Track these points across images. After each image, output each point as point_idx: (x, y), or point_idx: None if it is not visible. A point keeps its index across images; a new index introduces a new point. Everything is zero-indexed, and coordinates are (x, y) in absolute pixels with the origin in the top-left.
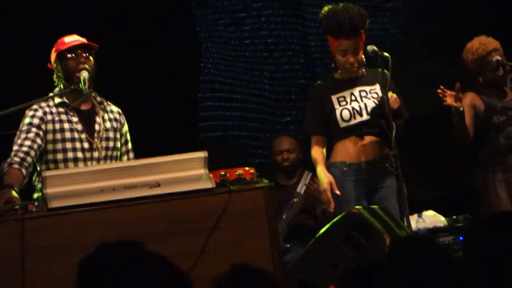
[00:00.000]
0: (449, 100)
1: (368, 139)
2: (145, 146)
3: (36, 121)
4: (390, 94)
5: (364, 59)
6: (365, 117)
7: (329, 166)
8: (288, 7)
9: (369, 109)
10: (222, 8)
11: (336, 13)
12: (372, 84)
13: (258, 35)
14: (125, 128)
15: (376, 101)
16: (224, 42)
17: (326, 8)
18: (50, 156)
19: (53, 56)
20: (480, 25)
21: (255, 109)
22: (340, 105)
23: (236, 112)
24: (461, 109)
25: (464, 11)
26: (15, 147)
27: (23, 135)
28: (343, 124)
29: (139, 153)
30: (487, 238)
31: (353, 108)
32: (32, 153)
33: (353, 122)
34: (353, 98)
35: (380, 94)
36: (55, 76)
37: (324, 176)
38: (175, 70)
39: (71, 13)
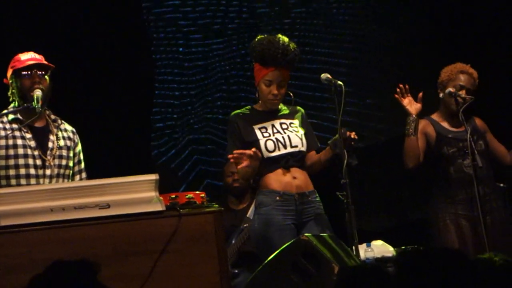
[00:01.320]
0: (406, 102)
1: (296, 171)
2: (98, 166)
3: None
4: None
5: (283, 95)
6: (289, 149)
7: (258, 194)
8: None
9: (292, 141)
10: (176, 27)
11: (271, 43)
12: (292, 118)
13: (209, 59)
14: (79, 147)
15: (297, 135)
16: (177, 64)
17: (260, 36)
18: (2, 172)
19: (9, 72)
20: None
21: (208, 131)
22: (263, 136)
23: (188, 136)
24: (415, 116)
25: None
26: None
27: None
28: (267, 155)
29: (92, 173)
30: (414, 270)
31: (277, 139)
32: None
33: (277, 153)
34: (275, 130)
35: (299, 129)
36: (10, 92)
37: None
38: (129, 90)
39: (28, 29)
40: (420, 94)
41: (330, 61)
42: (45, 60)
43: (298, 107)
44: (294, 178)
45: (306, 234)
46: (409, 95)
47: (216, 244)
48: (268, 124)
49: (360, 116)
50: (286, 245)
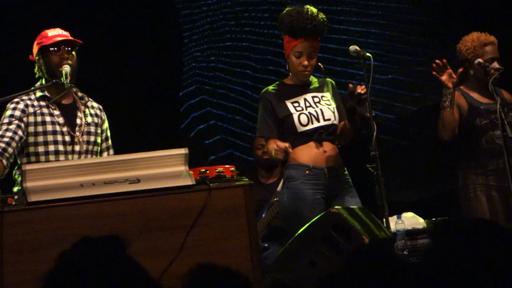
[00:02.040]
0: (445, 77)
1: (327, 145)
2: (125, 143)
3: (17, 113)
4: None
5: (314, 67)
6: (322, 122)
7: (288, 168)
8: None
9: (325, 115)
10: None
11: (300, 14)
12: (323, 91)
13: (238, 31)
14: (106, 124)
15: (329, 108)
16: (205, 39)
17: (288, 8)
18: (32, 149)
19: (35, 49)
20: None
21: (236, 107)
22: (296, 110)
23: (217, 110)
24: (451, 89)
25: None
26: None
27: (4, 127)
28: (301, 129)
29: (120, 150)
30: (450, 242)
31: (310, 113)
32: (13, 144)
33: (310, 126)
34: (307, 104)
35: (332, 102)
36: (36, 68)
37: (269, 144)
38: (157, 66)
39: (53, 6)
40: (460, 69)
41: (359, 31)
42: (71, 36)
43: (328, 79)
44: (325, 152)
45: (336, 207)
46: (448, 68)
47: (246, 218)
48: (300, 98)
49: (389, 87)
50: (316, 218)
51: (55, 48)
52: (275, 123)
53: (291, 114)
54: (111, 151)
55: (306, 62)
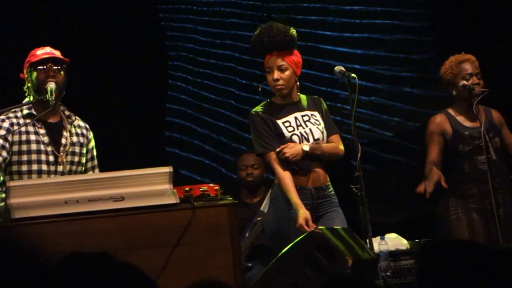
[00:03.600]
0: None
1: (315, 165)
2: (110, 161)
3: (2, 132)
4: None
5: (291, 81)
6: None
7: (274, 187)
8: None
9: (315, 135)
10: (191, 21)
11: (260, 31)
12: (312, 110)
13: (224, 52)
14: (92, 144)
15: (318, 128)
16: (191, 58)
17: (255, 33)
18: (15, 167)
19: (25, 67)
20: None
21: (221, 126)
22: (288, 131)
23: (202, 129)
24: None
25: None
26: None
27: None
28: None
29: (105, 168)
30: (437, 262)
31: (301, 134)
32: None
33: None
34: (298, 122)
35: (321, 121)
36: (25, 86)
37: (301, 210)
38: (143, 85)
39: (46, 25)
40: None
41: (343, 53)
42: (62, 55)
43: (316, 96)
44: (313, 172)
45: (320, 227)
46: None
47: (230, 237)
48: (290, 118)
49: (373, 109)
50: (299, 238)
51: (43, 66)
52: (274, 136)
53: (283, 135)
54: (96, 171)
55: (275, 76)
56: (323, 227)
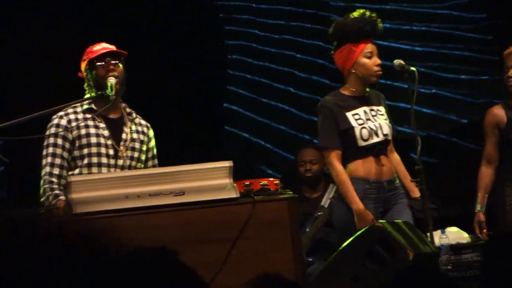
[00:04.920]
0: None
1: (384, 159)
2: (171, 158)
3: (61, 132)
4: None
5: None
6: (381, 137)
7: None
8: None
9: (383, 130)
10: (249, 12)
11: (362, 17)
12: (378, 104)
13: (285, 42)
14: (152, 143)
15: (386, 123)
16: (251, 49)
17: (340, 20)
18: (75, 162)
19: (83, 65)
20: None
21: (281, 119)
22: (358, 124)
23: (263, 119)
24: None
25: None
26: (47, 168)
27: (50, 150)
28: (361, 143)
29: (164, 163)
30: (503, 255)
31: (370, 128)
32: (65, 172)
33: (371, 141)
34: (367, 116)
35: (386, 116)
36: (86, 84)
37: (364, 213)
38: (202, 78)
39: (100, 22)
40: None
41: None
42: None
43: (377, 91)
44: (383, 165)
45: (381, 221)
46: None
47: (291, 231)
48: (360, 110)
49: (432, 105)
50: (360, 232)
51: (101, 61)
52: (338, 132)
53: (352, 128)
54: None
55: (379, 61)
56: (383, 221)
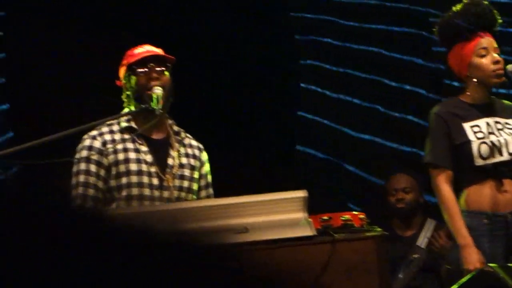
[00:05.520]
0: None
1: (508, 184)
2: (228, 185)
3: (95, 157)
4: None
5: None
6: (506, 156)
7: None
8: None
9: (509, 147)
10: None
11: (460, 12)
12: (506, 117)
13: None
14: (206, 168)
15: None
16: (325, 56)
17: (441, 19)
18: (112, 194)
19: (121, 71)
20: None
21: (366, 140)
22: (476, 137)
23: (342, 144)
24: None
25: None
26: (79, 201)
27: (82, 178)
28: (479, 162)
29: (221, 194)
30: None
31: (492, 143)
32: (99, 206)
33: (491, 161)
34: (489, 130)
35: None
36: (124, 95)
37: (472, 253)
38: (266, 89)
39: (145, 23)
40: None
41: None
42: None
43: (507, 101)
44: (505, 192)
45: (491, 265)
46: None
47: (379, 278)
48: (481, 122)
49: None
50: (467, 277)
51: (143, 68)
52: (449, 147)
53: (469, 142)
54: None
55: (498, 57)
56: (494, 264)
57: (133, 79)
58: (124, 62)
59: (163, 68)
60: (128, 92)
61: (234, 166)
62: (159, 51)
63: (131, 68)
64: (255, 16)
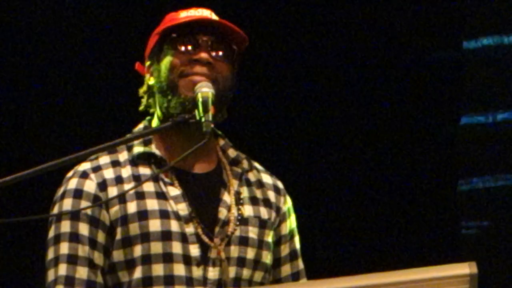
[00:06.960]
0: None
1: None
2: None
3: (88, 210)
4: None
5: None
6: None
7: None
8: None
9: None
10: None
11: None
12: None
13: None
14: (291, 224)
15: None
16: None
17: None
18: (120, 275)
19: (147, 49)
20: None
21: None
22: None
23: None
24: None
25: None
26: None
27: (65, 248)
28: None
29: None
30: None
31: None
32: None
33: None
34: None
35: None
36: (144, 88)
37: None
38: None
39: None
40: None
41: None
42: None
43: None
44: None
45: None
46: None
47: None
48: None
49: None
50: None
51: (186, 45)
52: None
53: None
54: (302, 281)
55: None
56: None
57: (166, 60)
58: (157, 31)
59: (222, 51)
60: (151, 82)
61: (342, 215)
62: (211, 15)
63: (166, 41)
64: None
